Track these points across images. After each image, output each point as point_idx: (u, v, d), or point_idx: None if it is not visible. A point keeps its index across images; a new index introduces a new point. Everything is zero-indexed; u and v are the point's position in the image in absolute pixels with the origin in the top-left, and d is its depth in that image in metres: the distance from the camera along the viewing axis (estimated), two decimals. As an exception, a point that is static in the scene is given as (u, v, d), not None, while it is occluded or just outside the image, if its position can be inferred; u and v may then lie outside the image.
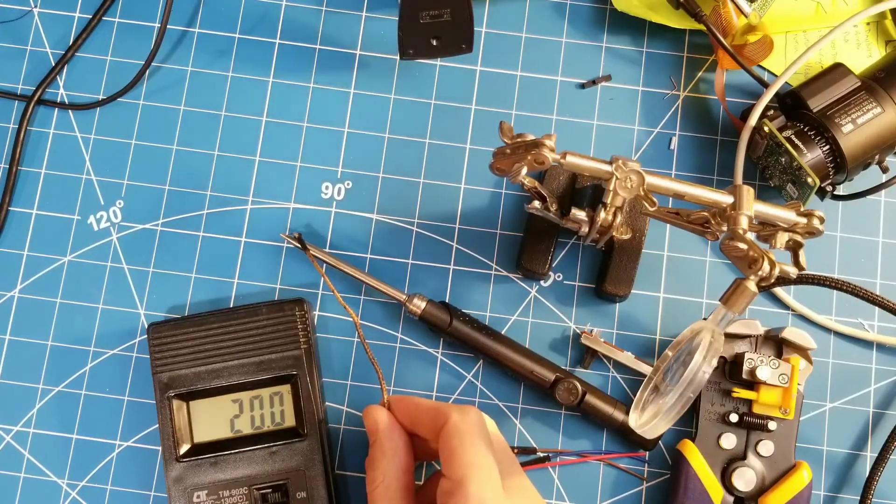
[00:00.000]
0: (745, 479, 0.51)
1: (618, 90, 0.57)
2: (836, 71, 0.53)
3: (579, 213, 0.50)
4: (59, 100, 0.57)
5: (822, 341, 0.54)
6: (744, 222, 0.45)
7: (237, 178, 0.56)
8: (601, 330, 0.54)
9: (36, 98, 0.56)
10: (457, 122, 0.57)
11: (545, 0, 0.58)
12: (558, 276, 0.55)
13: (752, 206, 0.45)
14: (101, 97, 0.57)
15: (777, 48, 0.56)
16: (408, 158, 0.56)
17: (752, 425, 0.51)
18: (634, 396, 0.48)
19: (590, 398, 0.52)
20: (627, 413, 0.52)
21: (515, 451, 0.53)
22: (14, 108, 0.57)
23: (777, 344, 0.52)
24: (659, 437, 0.52)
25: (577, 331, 0.54)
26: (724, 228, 0.46)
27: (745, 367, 0.51)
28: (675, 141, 0.57)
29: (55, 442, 0.53)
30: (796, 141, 0.51)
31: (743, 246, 0.43)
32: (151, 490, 0.52)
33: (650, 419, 0.44)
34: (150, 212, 0.55)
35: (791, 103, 0.53)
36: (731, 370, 0.52)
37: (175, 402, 0.51)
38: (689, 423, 0.53)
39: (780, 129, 0.52)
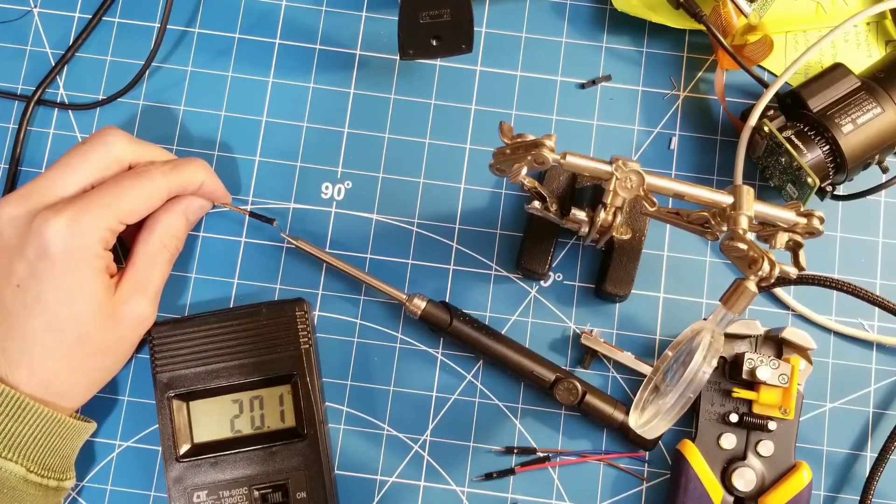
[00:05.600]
0: (745, 479, 0.51)
1: (618, 90, 0.57)
2: (836, 71, 0.53)
3: (579, 213, 0.50)
4: (59, 100, 0.57)
5: (822, 341, 0.54)
6: (744, 222, 0.45)
7: (237, 177, 0.56)
8: (601, 330, 0.54)
9: (36, 98, 0.56)
10: (457, 122, 0.57)
11: (545, 0, 0.58)
12: (558, 276, 0.55)
13: (752, 206, 0.45)
14: (101, 97, 0.57)
15: (777, 48, 0.56)
16: (408, 158, 0.56)
17: (752, 425, 0.51)
18: (634, 396, 0.48)
19: (590, 398, 0.52)
20: (627, 413, 0.52)
21: (515, 451, 0.53)
22: (14, 108, 0.57)
23: (777, 344, 0.52)
24: (659, 437, 0.52)
25: (577, 331, 0.54)
26: (724, 228, 0.46)
27: (745, 367, 0.51)
28: (675, 141, 0.57)
29: (55, 442, 0.53)
30: (796, 141, 0.51)
31: (743, 246, 0.43)
32: (151, 490, 0.52)
33: (650, 419, 0.44)
34: (150, 212, 0.55)
35: (791, 103, 0.53)
36: (731, 370, 0.52)
37: (175, 402, 0.51)
38: (689, 423, 0.53)
39: (780, 129, 0.52)
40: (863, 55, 0.58)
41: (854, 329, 0.54)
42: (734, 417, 0.51)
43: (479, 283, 0.55)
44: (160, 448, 0.52)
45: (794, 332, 0.51)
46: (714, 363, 0.43)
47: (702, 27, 0.54)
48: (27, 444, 0.45)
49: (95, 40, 0.57)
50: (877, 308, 0.53)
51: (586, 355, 0.54)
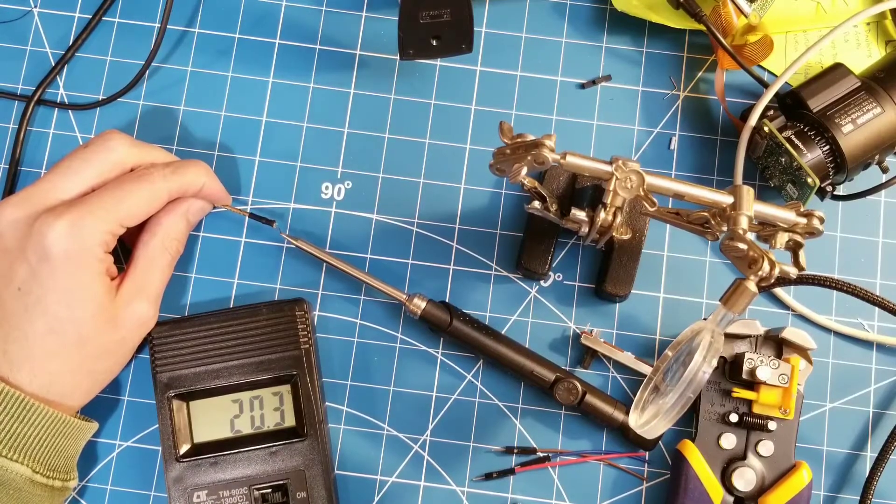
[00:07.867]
0: (745, 479, 0.51)
1: (618, 90, 0.57)
2: (836, 71, 0.53)
3: (579, 213, 0.50)
4: (59, 100, 0.57)
5: (822, 341, 0.54)
6: (744, 222, 0.45)
7: (237, 178, 0.56)
8: (601, 330, 0.54)
9: (36, 98, 0.56)
10: (457, 122, 0.57)
11: (545, 0, 0.58)
12: (558, 276, 0.55)
13: (752, 206, 0.45)
14: (101, 97, 0.57)
15: (777, 48, 0.56)
16: (408, 158, 0.56)
17: (752, 425, 0.51)
18: (634, 396, 0.48)
19: (590, 398, 0.52)
20: (627, 413, 0.52)
21: (515, 451, 0.53)
22: (14, 108, 0.57)
23: (777, 344, 0.52)
24: (659, 437, 0.52)
25: (577, 331, 0.54)
26: (724, 228, 0.46)
27: (745, 367, 0.51)
28: (675, 141, 0.57)
29: (55, 442, 0.53)
30: (796, 141, 0.51)
31: (743, 246, 0.43)
32: (151, 490, 0.52)
33: (650, 419, 0.44)
34: (150, 212, 0.55)
35: (791, 103, 0.53)
36: (731, 370, 0.52)
37: (175, 402, 0.51)
38: (689, 423, 0.53)
39: (780, 129, 0.52)
40: (863, 55, 0.58)
41: (854, 329, 0.54)
42: (734, 417, 0.51)
43: (479, 283, 0.55)
44: (160, 448, 0.52)
45: (794, 332, 0.51)
46: (714, 363, 0.43)
47: (702, 27, 0.54)
48: (32, 444, 0.46)
49: (95, 40, 0.57)
50: (877, 308, 0.53)
51: (586, 355, 0.54)
